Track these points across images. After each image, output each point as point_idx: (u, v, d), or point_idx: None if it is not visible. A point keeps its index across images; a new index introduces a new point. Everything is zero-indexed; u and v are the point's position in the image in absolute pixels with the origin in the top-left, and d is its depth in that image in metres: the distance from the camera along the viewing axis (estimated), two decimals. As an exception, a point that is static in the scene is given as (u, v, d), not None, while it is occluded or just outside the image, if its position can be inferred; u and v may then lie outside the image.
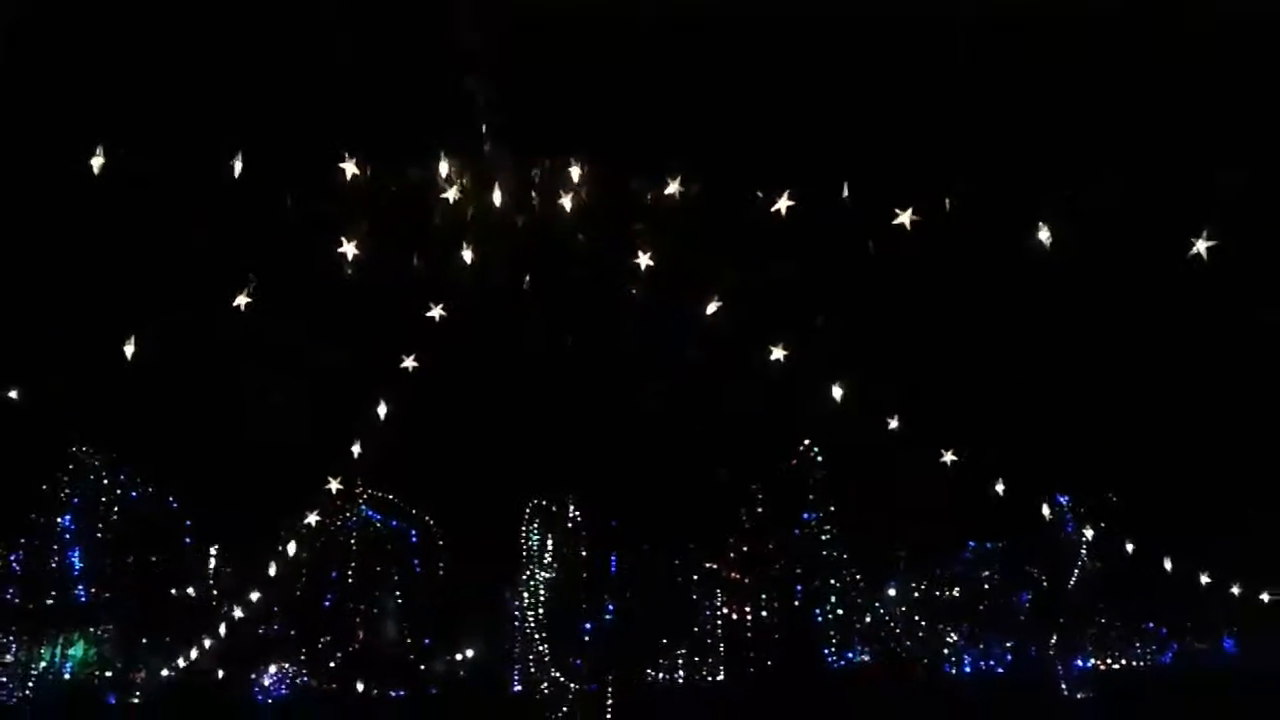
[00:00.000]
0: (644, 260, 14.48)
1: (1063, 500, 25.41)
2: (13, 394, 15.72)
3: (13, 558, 26.29)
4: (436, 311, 15.01)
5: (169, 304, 15.12)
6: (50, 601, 26.07)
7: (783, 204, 13.07)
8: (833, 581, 27.16)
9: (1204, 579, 20.28)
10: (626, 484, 23.88)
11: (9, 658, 25.14)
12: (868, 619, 27.02)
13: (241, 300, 14.40)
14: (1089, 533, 25.18)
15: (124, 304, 15.26)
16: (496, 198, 13.19)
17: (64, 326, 15.39)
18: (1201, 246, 10.99)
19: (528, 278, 15.75)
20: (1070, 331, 16.59)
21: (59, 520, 26.80)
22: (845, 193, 12.59)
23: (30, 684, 24.59)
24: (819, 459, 26.55)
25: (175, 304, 15.10)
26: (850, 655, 27.07)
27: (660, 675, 27.06)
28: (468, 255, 14.31)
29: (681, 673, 27.04)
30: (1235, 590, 20.49)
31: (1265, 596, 22.56)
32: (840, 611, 27.12)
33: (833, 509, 27.13)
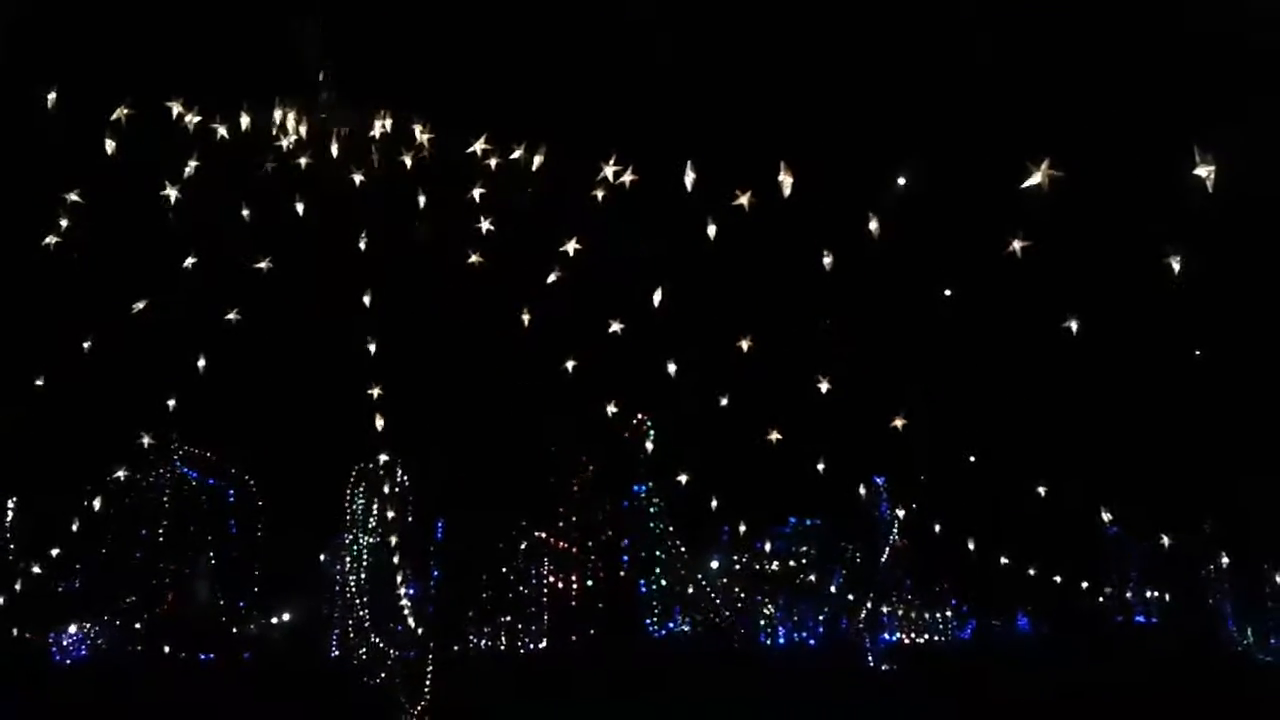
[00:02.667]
0: (485, 225, 14.34)
1: (879, 481, 26.54)
2: None
3: None
4: (265, 264, 14.48)
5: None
6: None
7: (627, 177, 13.13)
8: (658, 553, 27.65)
9: (1003, 560, 21.62)
10: (458, 450, 23.67)
11: None
12: (690, 590, 27.63)
13: (52, 239, 13.60)
14: (900, 513, 26.39)
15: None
16: (334, 150, 12.81)
17: None
18: (1017, 246, 11.60)
19: (364, 234, 15.35)
20: (889, 314, 17.23)
21: None
22: (687, 171, 12.71)
23: None
24: (650, 432, 26.92)
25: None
26: (671, 625, 27.65)
27: (483, 643, 27.05)
28: (300, 208, 13.85)
29: (504, 640, 27.09)
30: (1030, 571, 21.91)
31: (1057, 578, 24.21)
32: (664, 582, 27.64)
33: (661, 481, 27.58)
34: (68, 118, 12.47)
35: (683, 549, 27.71)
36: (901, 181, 12.47)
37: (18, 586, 23.12)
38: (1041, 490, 17.26)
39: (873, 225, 12.51)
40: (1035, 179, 9.29)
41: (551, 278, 14.84)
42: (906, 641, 27.64)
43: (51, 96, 11.84)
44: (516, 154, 13.12)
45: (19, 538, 25.85)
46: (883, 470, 25.72)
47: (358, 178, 13.58)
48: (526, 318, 15.03)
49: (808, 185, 12.22)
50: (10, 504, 25.88)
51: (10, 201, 12.62)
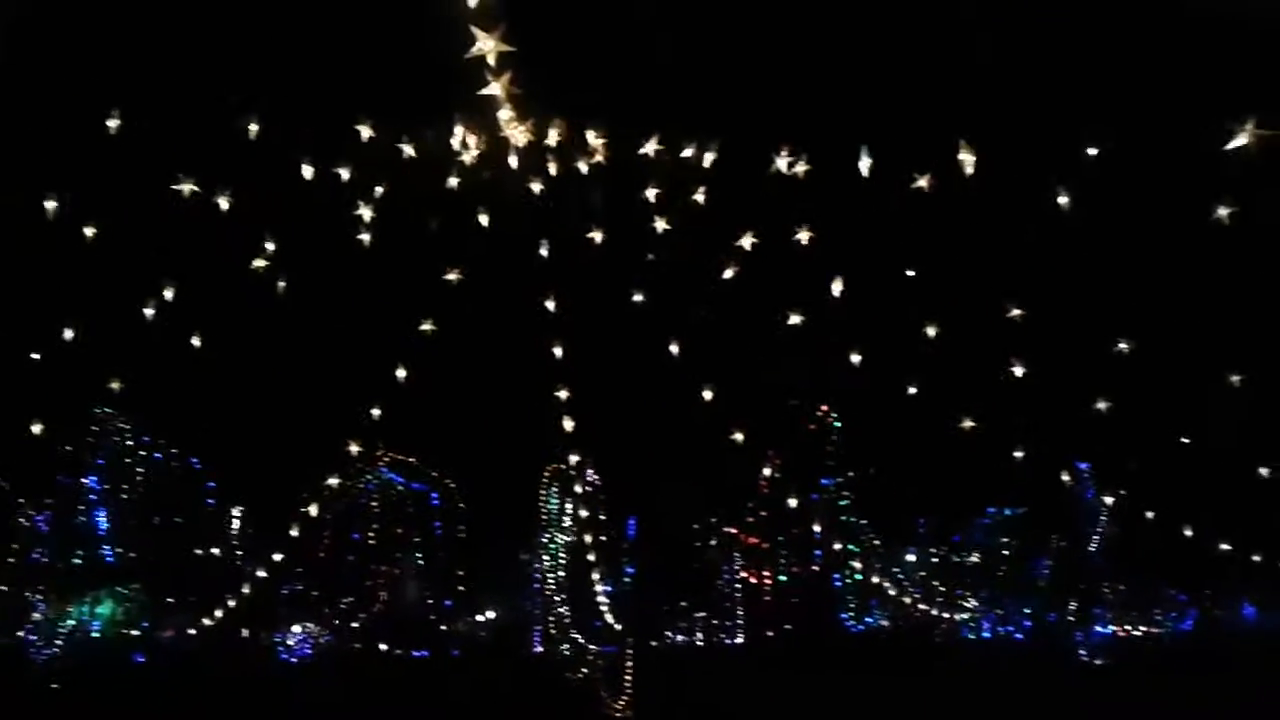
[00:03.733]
0: (660, 224, 14.44)
1: (1083, 466, 25.30)
2: (35, 356, 15.93)
3: (40, 518, 26.70)
4: (454, 275, 15.04)
5: (190, 268, 15.21)
6: (78, 561, 26.51)
7: (800, 167, 12.98)
8: (851, 547, 27.22)
9: (1224, 546, 20.22)
10: (645, 449, 23.93)
11: (38, 616, 25.58)
12: (886, 584, 27.09)
13: (260, 262, 14.50)
14: (1109, 499, 25.06)
15: (144, 267, 15.35)
16: (512, 161, 13.14)
17: (85, 290, 15.51)
18: (1224, 211, 10.84)
19: (545, 241, 15.74)
20: (1094, 295, 16.43)
21: (84, 481, 27.21)
22: (864, 157, 12.46)
23: (59, 642, 25.03)
24: (837, 424, 26.52)
25: (196, 268, 15.18)
26: (869, 620, 27.17)
27: (679, 638, 27.27)
28: (484, 219, 14.32)
29: (700, 635, 27.24)
30: (1256, 557, 20.41)
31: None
32: (859, 576, 27.19)
33: (851, 474, 27.16)
34: (270, 146, 13.22)
35: (877, 542, 27.18)
36: (1092, 152, 11.83)
37: (245, 589, 24.74)
38: (1264, 471, 16.08)
39: (1062, 199, 11.96)
40: (1241, 140, 8.65)
41: (729, 273, 14.84)
42: (1121, 634, 26.23)
43: (254, 128, 12.58)
44: (688, 151, 13.15)
45: (245, 544, 27.73)
46: (1087, 455, 24.52)
47: (536, 186, 13.90)
48: (707, 314, 15.07)
49: (991, 163, 11.80)
50: (236, 513, 27.73)
51: (220, 228, 13.49)
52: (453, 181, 13.69)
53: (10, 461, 25.33)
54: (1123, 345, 14.00)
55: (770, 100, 16.06)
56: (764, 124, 14.54)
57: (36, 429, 17.68)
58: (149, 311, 14.74)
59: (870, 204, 12.78)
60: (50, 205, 13.43)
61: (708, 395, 16.20)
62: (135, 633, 26.15)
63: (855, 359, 15.68)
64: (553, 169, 13.57)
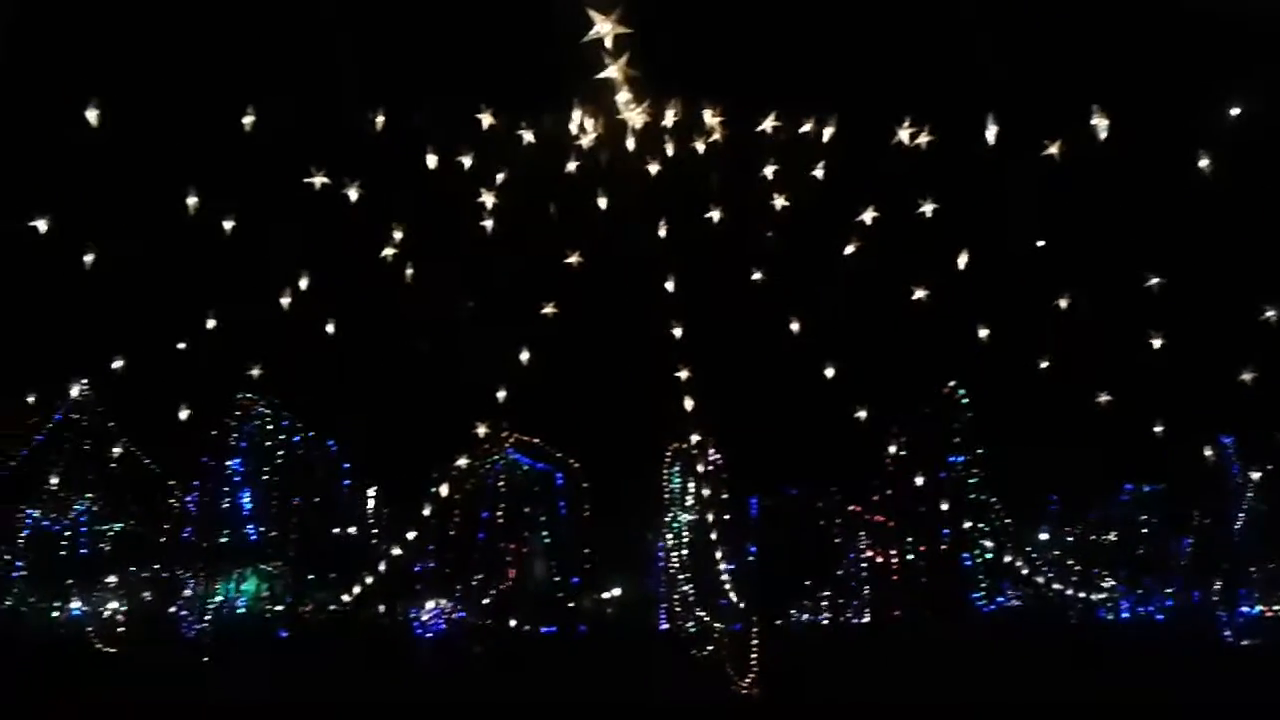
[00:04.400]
0: (780, 201, 14.33)
1: (1227, 441, 24.21)
2: (181, 346, 16.74)
3: (189, 499, 28.08)
4: (574, 258, 15.22)
5: (323, 258, 15.72)
6: (224, 540, 27.79)
7: (923, 138, 12.72)
8: (981, 525, 26.65)
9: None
10: (768, 426, 23.83)
11: (188, 593, 26.94)
12: (1019, 563, 26.45)
13: (389, 251, 14.92)
14: (1255, 474, 23.94)
15: (281, 259, 15.93)
16: (630, 144, 13.20)
17: (226, 283, 16.19)
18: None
19: (664, 222, 15.76)
20: (1237, 263, 15.68)
21: (229, 464, 28.50)
22: (990, 124, 12.12)
23: (208, 617, 26.32)
24: (964, 400, 25.94)
25: (329, 258, 15.69)
26: (1001, 600, 26.59)
27: (805, 616, 27.15)
28: (603, 201, 14.43)
29: (826, 614, 27.06)
30: None
31: None
32: (990, 556, 26.62)
33: (980, 451, 26.55)
34: (395, 138, 13.54)
35: (1008, 521, 26.53)
36: (1235, 112, 11.27)
37: (381, 568, 25.59)
38: None
39: (1204, 162, 11.43)
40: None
41: (850, 249, 14.64)
42: (1269, 614, 25.05)
43: (380, 120, 12.90)
44: (806, 127, 13.00)
45: (380, 523, 28.64)
46: (1231, 429, 23.45)
47: (654, 168, 13.94)
48: (826, 292, 14.91)
49: (1127, 128, 11.35)
50: (371, 493, 28.65)
51: (349, 219, 13.91)
52: (571, 166, 13.84)
53: (161, 445, 26.75)
54: (1270, 314, 13.34)
55: (890, 70, 15.74)
56: (884, 95, 14.28)
57: (184, 415, 18.58)
58: (285, 301, 15.33)
59: (998, 173, 12.44)
60: (191, 201, 14.03)
61: (830, 373, 16.04)
62: (279, 608, 27.33)
63: (984, 333, 15.32)
64: (670, 149, 13.59)
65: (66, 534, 27.19)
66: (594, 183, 14.13)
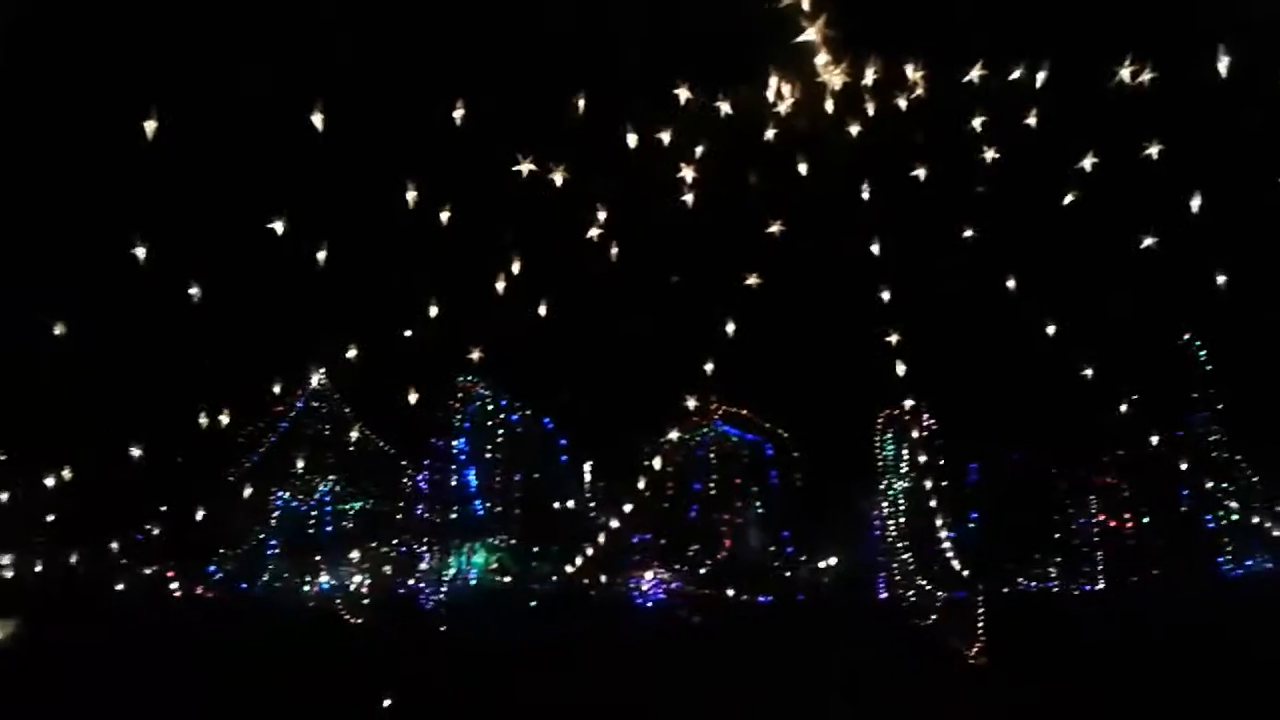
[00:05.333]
0: (989, 154, 13.77)
1: None
2: (407, 333, 17.65)
3: (420, 478, 29.72)
4: (776, 227, 15.11)
5: (533, 241, 16.21)
6: (454, 516, 29.27)
7: (1145, 76, 11.92)
8: (1226, 485, 24.90)
9: None
10: (987, 388, 23.01)
11: (424, 566, 28.54)
12: (1268, 524, 24.58)
13: (594, 232, 15.24)
14: None
15: (493, 244, 16.50)
16: (830, 106, 12.96)
17: (443, 270, 16.91)
18: None
19: (868, 183, 15.42)
20: None
21: (454, 444, 29.97)
22: (1221, 56, 11.25)
23: (444, 590, 27.78)
24: (1201, 353, 24.24)
25: (538, 240, 16.16)
26: (1250, 563, 24.81)
27: (1033, 584, 26.16)
28: (803, 168, 14.24)
29: (1057, 581, 25.98)
30: None
31: None
32: (1236, 517, 24.86)
33: (1221, 408, 24.77)
34: (594, 119, 13.76)
35: (1255, 479, 24.69)
36: None
37: (600, 539, 26.30)
38: None
39: None
40: None
41: (1068, 199, 13.92)
42: None
43: (582, 103, 13.13)
44: (1016, 74, 12.41)
45: (597, 497, 29.41)
46: None
47: (854, 129, 13.65)
48: (1044, 246, 14.23)
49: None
50: (588, 467, 29.44)
51: (556, 202, 14.26)
52: (770, 134, 13.71)
53: (393, 428, 28.36)
54: None
55: (1106, 5, 14.79)
56: (1100, 33, 13.45)
57: (413, 398, 19.59)
58: (500, 285, 15.90)
59: (1230, 110, 11.52)
60: (410, 195, 14.72)
61: (1051, 330, 15.34)
62: (507, 579, 28.54)
63: (1220, 279, 14.28)
64: (871, 109, 13.27)
65: (313, 514, 29.28)
66: (794, 149, 13.96)
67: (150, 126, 9.49)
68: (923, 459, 24.47)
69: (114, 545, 25.15)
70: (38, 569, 25.19)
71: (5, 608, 21.66)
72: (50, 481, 21.00)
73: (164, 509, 25.98)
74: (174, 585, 26.35)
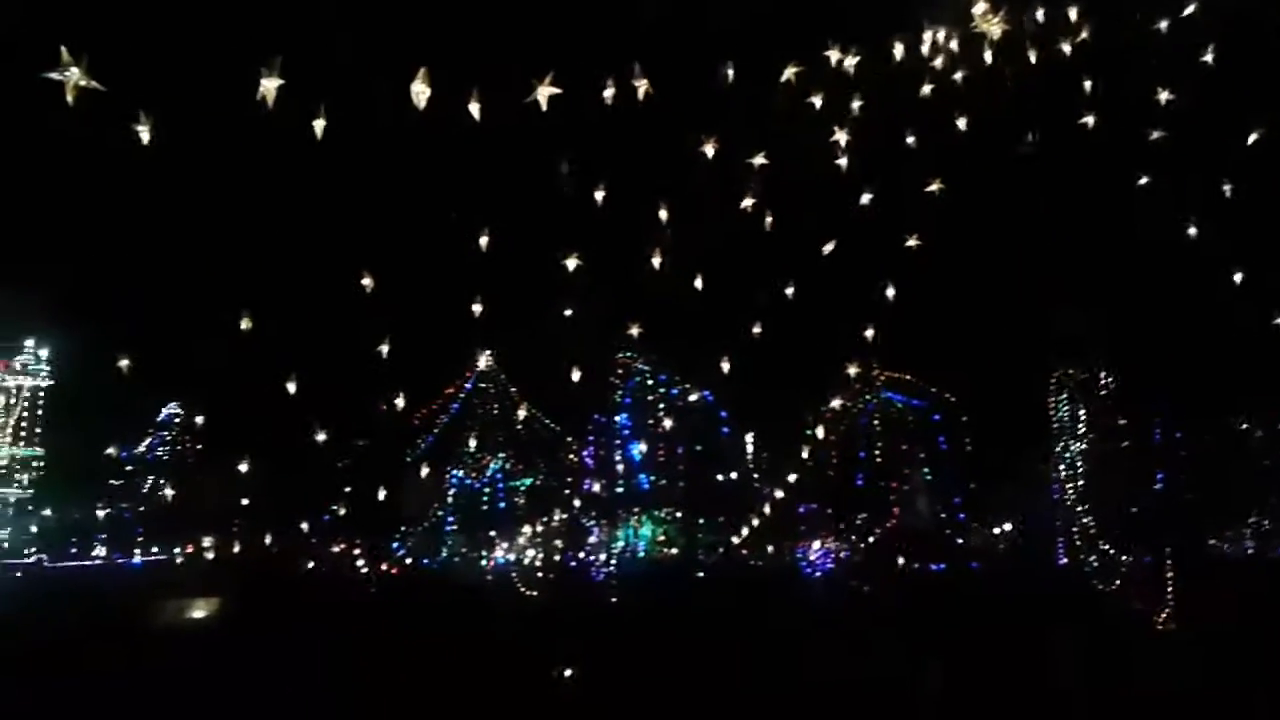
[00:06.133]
0: (1163, 95, 12.99)
1: None
2: (568, 312, 17.96)
3: (586, 453, 30.40)
4: (935, 186, 14.65)
5: (687, 216, 16.22)
6: (619, 490, 29.84)
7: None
8: None
9: None
10: (1171, 343, 21.86)
11: (593, 540, 29.22)
12: None
13: (748, 202, 15.11)
14: None
15: (647, 222, 16.58)
16: (988, 57, 12.47)
17: (601, 256, 17.09)
18: None
19: (1031, 136, 14.79)
20: None
21: (617, 419, 30.55)
22: None
23: (613, 561, 28.36)
24: None
25: (692, 216, 16.16)
26: None
27: (1226, 547, 24.87)
28: (961, 122, 13.74)
29: (1250, 544, 24.63)
30: None
31: None
32: None
33: None
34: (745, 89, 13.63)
35: None
36: None
37: (766, 509, 26.29)
38: None
39: None
40: None
41: (1252, 137, 13.02)
42: None
43: (730, 73, 13.04)
44: (1190, 9, 11.67)
45: (760, 468, 29.44)
46: None
47: (1016, 79, 13.10)
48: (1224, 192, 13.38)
49: None
50: (749, 439, 29.49)
51: (705, 175, 14.22)
52: (926, 89, 13.29)
53: (555, 405, 29.05)
54: None
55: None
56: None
57: (575, 375, 19.95)
58: (656, 261, 15.97)
59: None
60: (565, 176, 14.91)
61: (1238, 279, 14.43)
62: (674, 550, 28.94)
63: None
64: (1033, 57, 12.69)
65: (485, 491, 30.31)
66: (953, 104, 13.50)
67: (319, 125, 9.89)
68: (1101, 419, 23.49)
69: (304, 526, 26.65)
70: (236, 549, 26.92)
71: (209, 586, 23.14)
72: (244, 468, 22.36)
73: (348, 490, 27.37)
74: (360, 562, 27.72)
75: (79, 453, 29.18)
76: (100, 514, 27.31)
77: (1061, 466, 25.15)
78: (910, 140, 14.15)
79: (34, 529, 27.95)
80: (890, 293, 16.47)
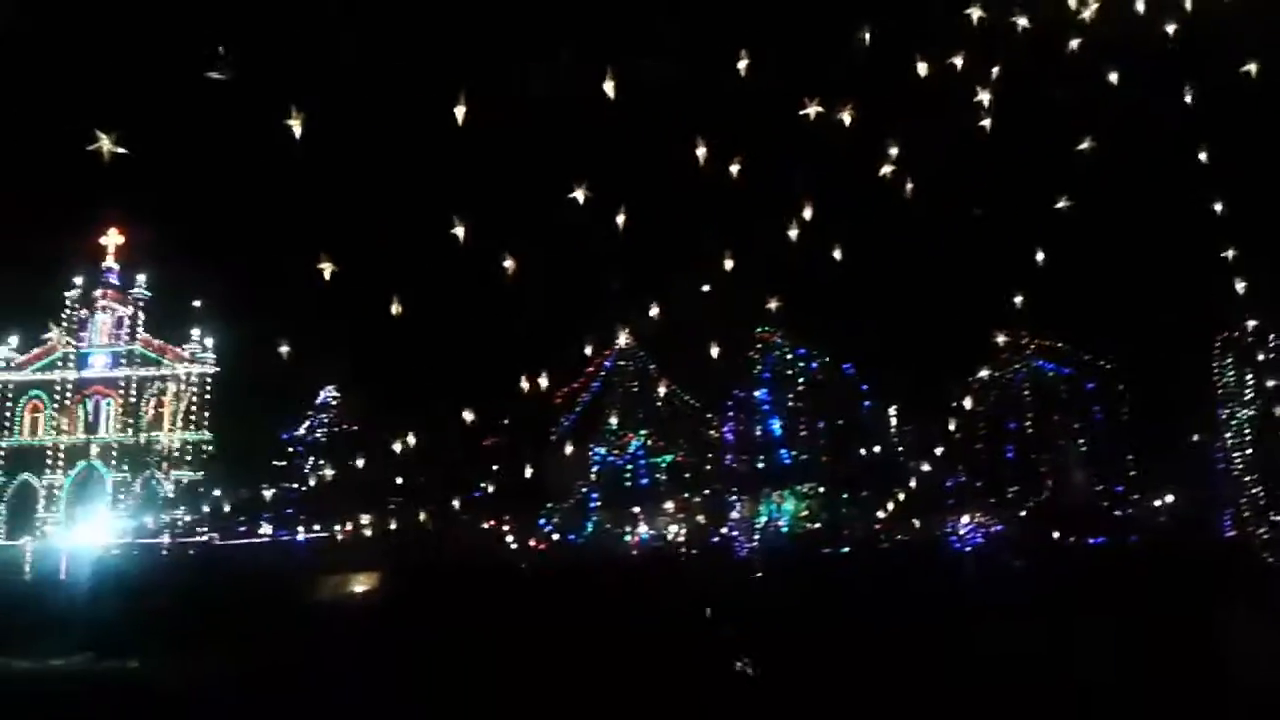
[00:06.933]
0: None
1: None
2: (705, 288, 18.00)
3: (726, 429, 30.46)
4: (1086, 144, 14.08)
5: (824, 185, 16.01)
6: (760, 464, 29.79)
7: None
8: None
9: None
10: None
11: (735, 515, 29.26)
12: None
13: (886, 169, 14.81)
14: None
15: (779, 192, 16.46)
16: (1140, 5, 11.89)
17: (741, 226, 17.06)
18: None
19: (1188, 87, 14.05)
20: None
21: (756, 394, 30.51)
22: None
23: (756, 537, 28.34)
24: None
25: (826, 182, 15.95)
26: None
27: None
28: (1113, 76, 13.15)
29: None
30: None
31: None
32: None
33: None
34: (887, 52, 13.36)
35: None
36: None
37: (911, 484, 25.85)
38: None
39: None
40: None
41: None
42: None
43: (867, 35, 12.80)
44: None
45: (905, 441, 28.93)
46: None
47: (1171, 27, 12.47)
48: None
49: None
50: (892, 411, 29.00)
51: (844, 144, 14.00)
52: (1074, 44, 12.76)
53: (696, 381, 29.15)
54: None
55: None
56: None
57: (714, 352, 20.00)
58: (794, 233, 15.82)
59: None
60: (700, 153, 14.89)
61: None
62: (817, 526, 28.71)
63: None
64: (1189, 3, 12.04)
65: (628, 467, 30.67)
66: (1102, 58, 12.94)
67: (459, 111, 10.14)
68: (1271, 383, 22.25)
69: (455, 503, 27.47)
70: (392, 526, 27.95)
71: (368, 561, 24.10)
72: (398, 448, 23.20)
73: (495, 468, 28.11)
74: (510, 538, 28.42)
75: (244, 436, 30.87)
76: (266, 494, 28.73)
77: (1227, 434, 23.92)
78: (1059, 96, 13.67)
79: (205, 509, 29.57)
80: (1040, 256, 16.00)
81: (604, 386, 30.88)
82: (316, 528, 27.54)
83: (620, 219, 15.12)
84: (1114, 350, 27.22)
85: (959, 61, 13.03)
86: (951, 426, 22.47)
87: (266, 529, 28.28)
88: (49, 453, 32.82)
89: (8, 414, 33.29)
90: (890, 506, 26.29)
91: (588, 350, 22.07)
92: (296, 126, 8.30)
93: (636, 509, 29.54)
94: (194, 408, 32.24)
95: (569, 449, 28.10)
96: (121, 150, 7.00)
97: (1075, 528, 26.48)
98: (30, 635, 15.47)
